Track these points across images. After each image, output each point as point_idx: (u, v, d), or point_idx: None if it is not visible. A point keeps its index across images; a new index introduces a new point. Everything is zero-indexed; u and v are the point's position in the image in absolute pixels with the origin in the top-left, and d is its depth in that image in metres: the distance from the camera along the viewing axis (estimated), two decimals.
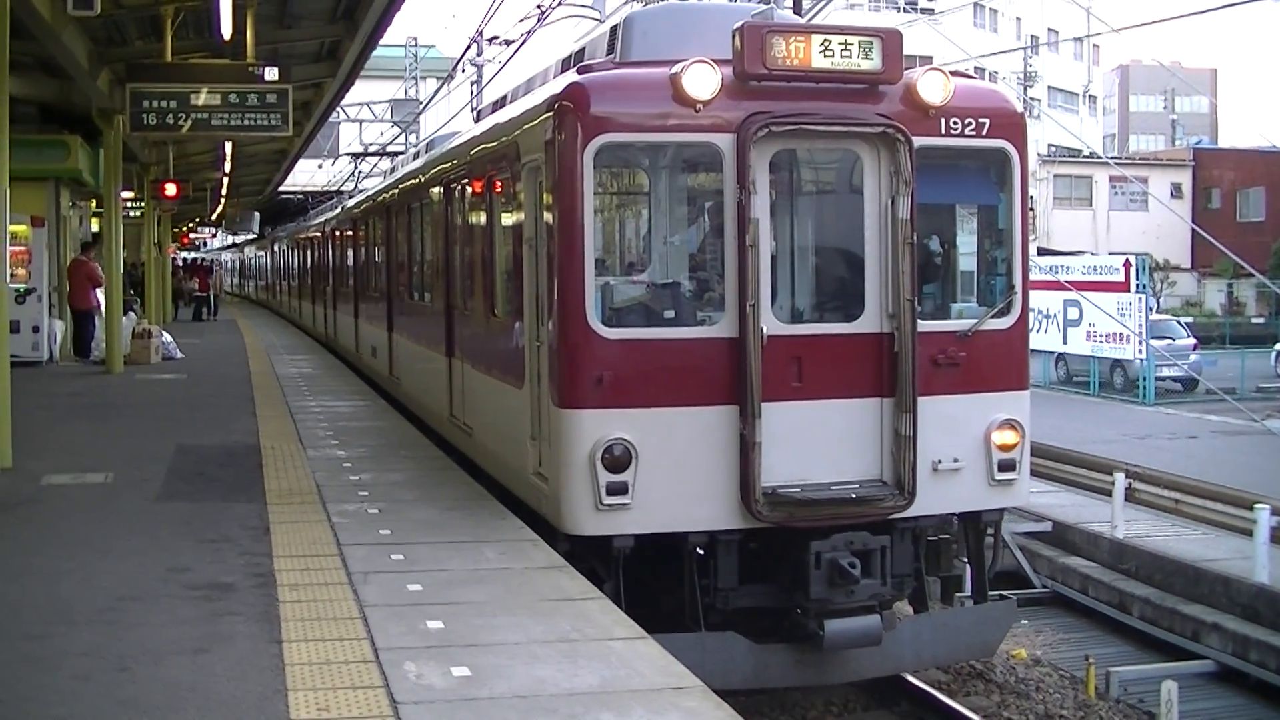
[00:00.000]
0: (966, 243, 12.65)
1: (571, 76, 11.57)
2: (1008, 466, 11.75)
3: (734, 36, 10.93)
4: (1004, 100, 12.33)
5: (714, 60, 10.76)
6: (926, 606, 12.36)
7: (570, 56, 13.61)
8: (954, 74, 11.78)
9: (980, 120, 11.63)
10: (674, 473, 10.86)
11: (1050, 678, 15.09)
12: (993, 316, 11.84)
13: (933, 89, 11.32)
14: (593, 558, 10.90)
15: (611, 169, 11.80)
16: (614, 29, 12.67)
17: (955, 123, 11.51)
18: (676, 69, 10.76)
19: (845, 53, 10.97)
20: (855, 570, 10.91)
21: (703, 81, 10.71)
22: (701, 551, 11.13)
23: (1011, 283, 11.98)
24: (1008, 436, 11.73)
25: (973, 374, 11.65)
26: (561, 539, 11.04)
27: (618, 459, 10.75)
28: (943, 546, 12.28)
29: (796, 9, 24.35)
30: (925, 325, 11.34)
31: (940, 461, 11.45)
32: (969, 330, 11.69)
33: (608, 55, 12.34)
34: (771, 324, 11.01)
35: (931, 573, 12.26)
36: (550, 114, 11.33)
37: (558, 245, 11.06)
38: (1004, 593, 14.04)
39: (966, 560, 12.63)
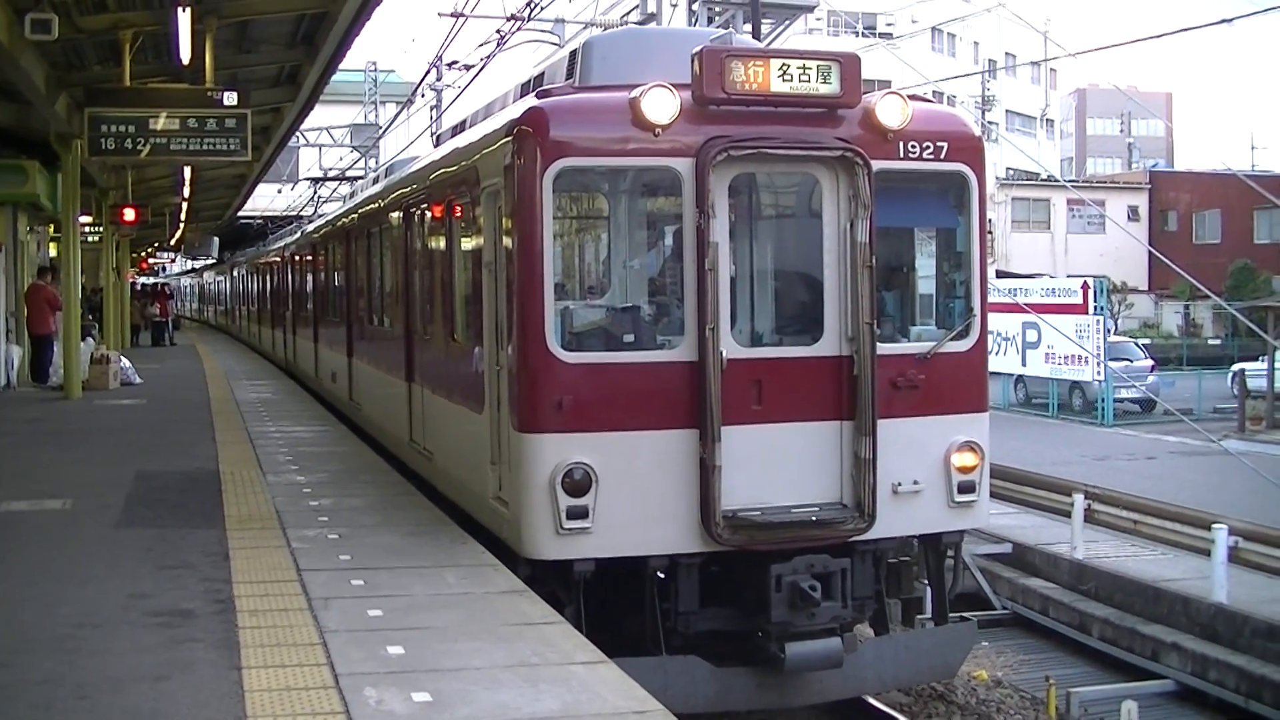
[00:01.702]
0: (925, 266, 12.70)
1: (530, 101, 11.58)
2: (967, 488, 11.78)
3: (693, 61, 10.96)
4: (962, 124, 12.38)
5: (673, 85, 10.78)
6: (887, 629, 12.39)
7: (529, 81, 13.60)
8: (912, 98, 11.81)
9: (939, 144, 11.68)
10: (634, 496, 10.84)
11: (1011, 699, 15.16)
12: (952, 339, 11.89)
13: (891, 113, 11.37)
14: (554, 582, 10.88)
15: (571, 193, 11.80)
16: (573, 53, 12.67)
17: (914, 146, 11.56)
18: (635, 93, 10.79)
19: (804, 77, 11.01)
20: (816, 593, 10.93)
21: (661, 106, 10.73)
22: (662, 575, 11.13)
23: (970, 305, 12.02)
24: (967, 458, 11.76)
25: (932, 396, 11.68)
26: (522, 563, 11.02)
27: (578, 483, 10.72)
28: (903, 568, 12.31)
29: (755, 33, 24.45)
30: (884, 348, 11.38)
31: (900, 484, 11.47)
32: (928, 353, 11.73)
33: (567, 80, 12.34)
34: (731, 347, 11.01)
35: (892, 595, 12.31)
36: (509, 138, 11.33)
37: (517, 270, 11.05)
38: (965, 614, 14.08)
39: (927, 582, 12.65)
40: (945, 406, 11.79)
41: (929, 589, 12.85)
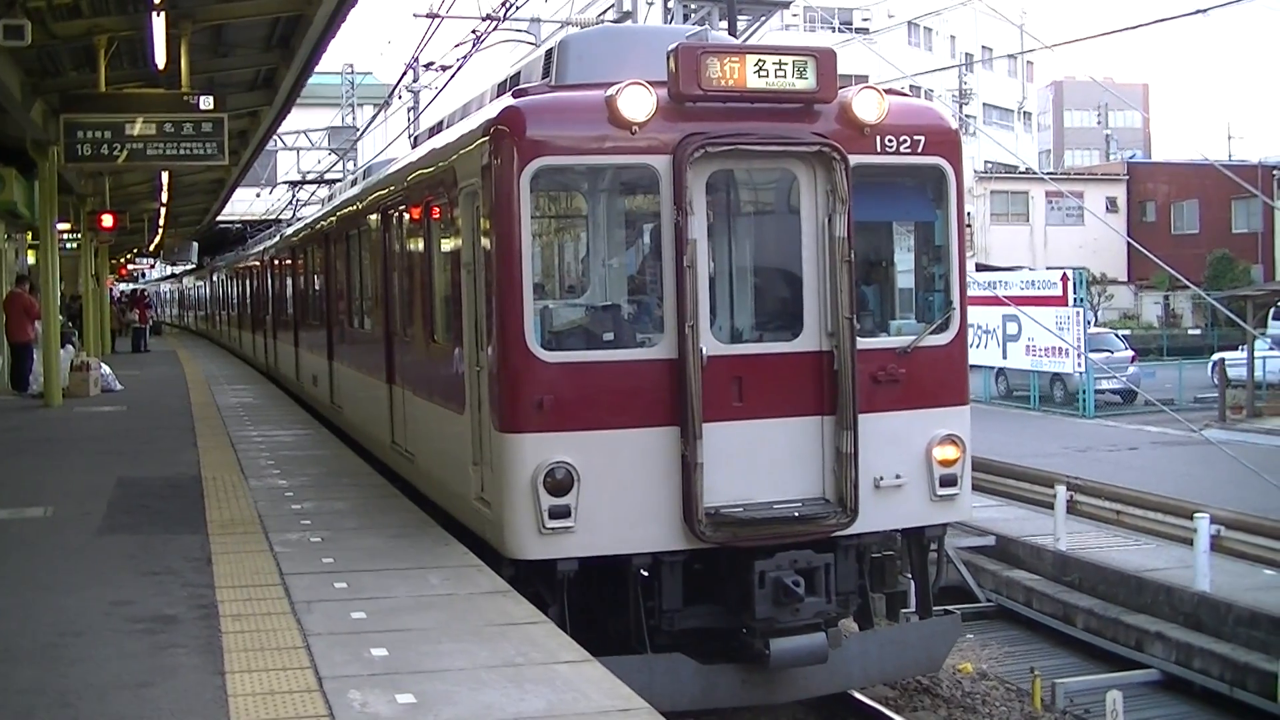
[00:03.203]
0: (904, 260, 12.70)
1: (507, 100, 11.55)
2: (949, 482, 11.77)
3: (669, 58, 10.93)
4: (939, 117, 12.37)
5: (649, 82, 10.77)
6: (872, 623, 12.39)
7: (506, 80, 13.58)
8: (889, 92, 11.80)
9: (915, 138, 11.67)
10: (616, 495, 10.83)
11: (996, 691, 15.17)
12: (931, 333, 11.89)
13: (868, 107, 11.35)
14: (537, 582, 10.87)
15: (548, 192, 11.80)
16: (549, 52, 12.65)
17: (891, 140, 11.54)
18: (611, 91, 10.77)
19: (780, 73, 10.99)
20: (799, 588, 10.91)
21: (638, 103, 10.71)
22: (646, 573, 11.11)
23: (950, 299, 12.02)
24: (949, 452, 11.75)
25: (913, 390, 11.68)
26: (505, 564, 11.00)
27: (560, 482, 10.70)
28: (887, 563, 12.31)
29: (731, 30, 24.43)
30: (864, 343, 11.37)
31: (882, 478, 11.46)
32: (908, 347, 11.72)
33: (543, 79, 12.32)
34: (711, 344, 10.99)
35: (876, 589, 12.30)
36: (486, 138, 11.31)
37: (496, 270, 11.03)
38: (949, 607, 14.09)
39: (910, 576, 12.66)
40: (926, 400, 11.79)
41: (912, 583, 12.87)
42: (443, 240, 13.39)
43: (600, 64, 11.87)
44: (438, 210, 13.50)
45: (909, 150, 11.65)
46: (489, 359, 11.32)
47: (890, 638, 12.44)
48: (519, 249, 10.83)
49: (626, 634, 11.07)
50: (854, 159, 11.23)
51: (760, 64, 11.00)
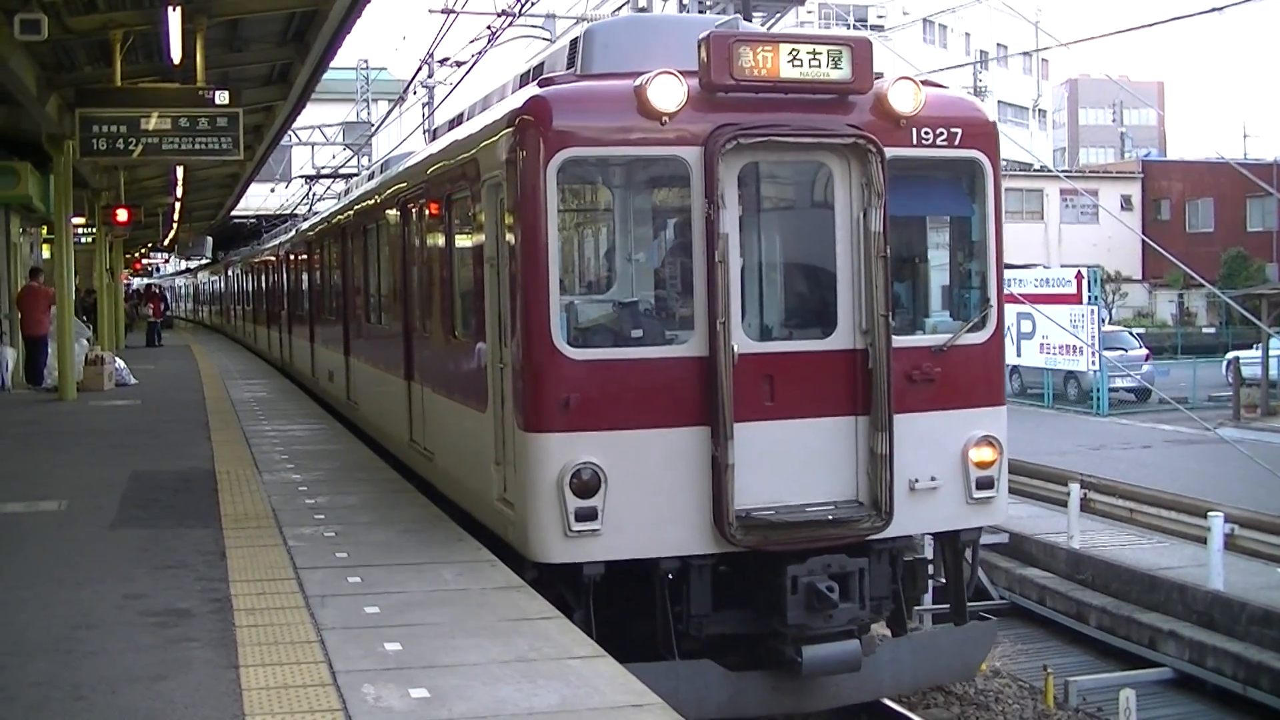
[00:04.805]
0: (939, 255, 12.48)
1: (532, 90, 11.32)
2: (986, 484, 11.53)
3: (700, 47, 10.67)
4: (976, 110, 12.10)
5: (679, 71, 10.56)
6: (905, 629, 12.15)
7: (529, 71, 13.33)
8: (925, 83, 11.56)
9: (952, 130, 11.41)
10: (644, 497, 10.58)
11: (1009, 688, 15.12)
12: (968, 331, 11.68)
13: (904, 98, 11.08)
14: (562, 585, 10.63)
15: (575, 185, 11.52)
16: (574, 42, 12.39)
17: (927, 133, 11.28)
18: (640, 81, 10.52)
19: (814, 62, 10.73)
20: (833, 594, 10.65)
21: (668, 93, 10.47)
22: (673, 577, 10.87)
23: (986, 296, 11.81)
24: (985, 454, 11.52)
25: (948, 390, 11.43)
26: (529, 566, 10.76)
27: (586, 483, 10.46)
28: (919, 567, 12.10)
29: (746, 20, 24.27)
30: (899, 341, 11.11)
31: (917, 480, 11.21)
32: (944, 345, 11.50)
33: (568, 69, 12.02)
34: (742, 342, 10.75)
35: (907, 593, 12.05)
36: (511, 129, 11.08)
37: (520, 264, 10.81)
38: (979, 608, 13.90)
39: (944, 580, 12.42)
40: (962, 400, 11.55)
41: (939, 585, 12.67)
42: (464, 234, 13.20)
43: (626, 54, 11.58)
44: (459, 203, 13.31)
45: (945, 143, 11.40)
46: (513, 356, 11.10)
47: (924, 644, 12.26)
48: (544, 243, 10.61)
49: (653, 639, 10.85)
50: (889, 151, 10.98)
51: (794, 53, 10.74)
